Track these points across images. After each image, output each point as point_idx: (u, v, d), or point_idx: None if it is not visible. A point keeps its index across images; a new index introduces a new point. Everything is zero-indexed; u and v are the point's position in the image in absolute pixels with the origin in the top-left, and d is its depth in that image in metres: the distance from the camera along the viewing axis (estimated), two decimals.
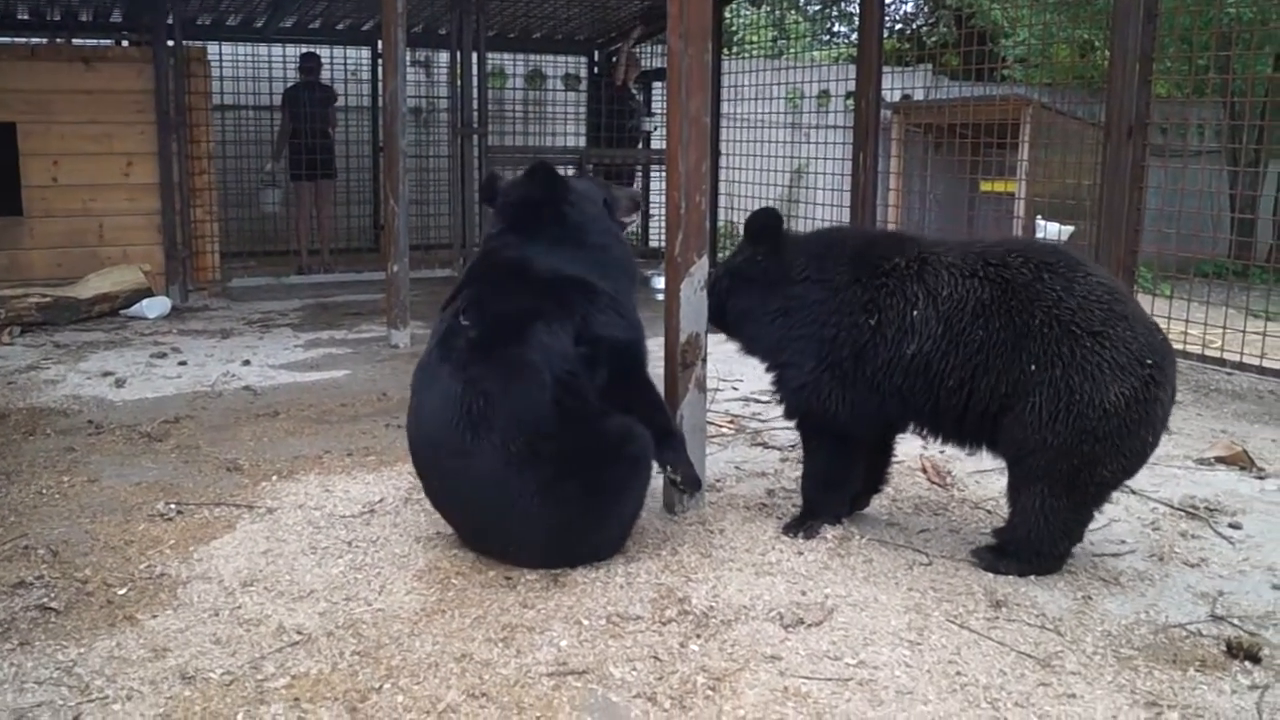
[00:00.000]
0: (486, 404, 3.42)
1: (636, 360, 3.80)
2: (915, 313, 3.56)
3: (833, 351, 3.67)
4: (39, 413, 5.53)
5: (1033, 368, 3.39)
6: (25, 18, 10.70)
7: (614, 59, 12.52)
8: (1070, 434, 3.34)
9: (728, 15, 12.45)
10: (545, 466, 3.42)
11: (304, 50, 11.22)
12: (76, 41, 10.40)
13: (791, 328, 3.78)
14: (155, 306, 8.57)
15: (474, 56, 10.79)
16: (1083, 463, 3.37)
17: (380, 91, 10.04)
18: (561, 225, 3.84)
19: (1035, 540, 3.49)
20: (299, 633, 3.11)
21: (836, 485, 3.93)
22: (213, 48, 10.84)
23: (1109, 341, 3.35)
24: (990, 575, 3.52)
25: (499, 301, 3.66)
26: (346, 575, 3.52)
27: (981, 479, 4.54)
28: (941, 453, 4.87)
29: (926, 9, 18.06)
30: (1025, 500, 3.49)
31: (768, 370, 3.96)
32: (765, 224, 3.95)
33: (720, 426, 5.31)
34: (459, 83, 10.98)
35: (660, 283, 6.59)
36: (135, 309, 8.48)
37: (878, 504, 4.22)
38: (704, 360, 4.06)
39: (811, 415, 3.81)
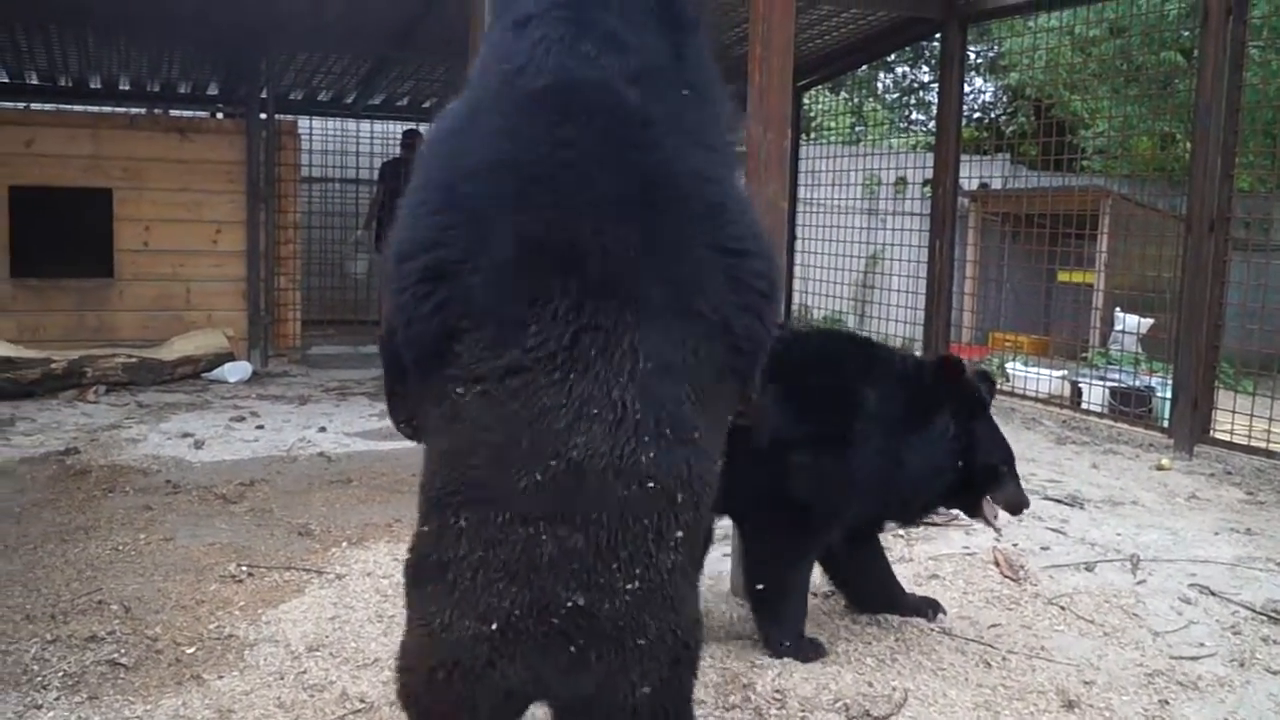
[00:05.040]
0: None
1: None
2: None
3: None
4: (119, 470, 5.66)
5: None
6: (126, 88, 11.18)
7: None
8: None
9: (806, 101, 12.58)
10: None
11: (407, 128, 11.48)
12: (174, 112, 10.84)
13: None
14: (236, 371, 8.77)
15: None
16: None
17: None
18: None
19: None
20: (362, 701, 3.11)
21: None
22: (303, 122, 11.20)
23: None
24: (1063, 675, 3.43)
25: None
26: None
27: (1056, 574, 4.44)
28: (1014, 545, 4.78)
29: (1005, 98, 18.08)
30: None
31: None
32: None
33: None
34: None
35: None
36: (217, 373, 8.68)
37: (948, 596, 4.14)
38: None
39: None
